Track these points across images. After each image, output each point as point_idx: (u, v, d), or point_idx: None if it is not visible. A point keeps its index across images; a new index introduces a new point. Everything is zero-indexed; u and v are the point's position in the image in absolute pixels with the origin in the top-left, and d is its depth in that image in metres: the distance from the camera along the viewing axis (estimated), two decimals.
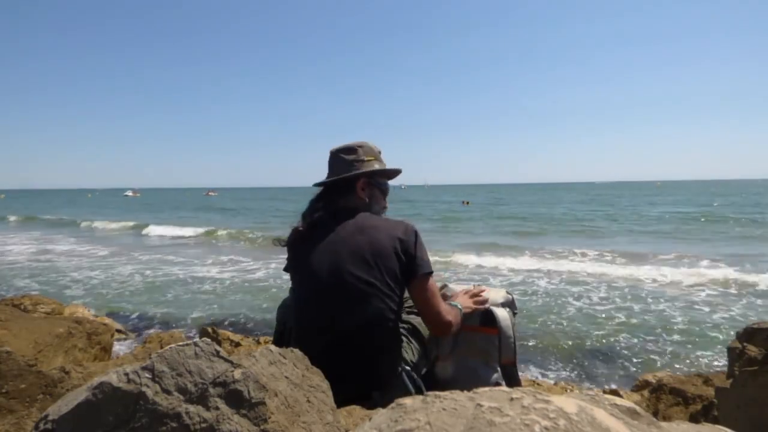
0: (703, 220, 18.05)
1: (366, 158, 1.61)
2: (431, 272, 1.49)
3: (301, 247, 1.54)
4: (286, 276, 1.64)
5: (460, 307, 1.65)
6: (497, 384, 1.73)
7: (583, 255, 9.79)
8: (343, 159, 1.61)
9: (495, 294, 1.84)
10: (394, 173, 1.70)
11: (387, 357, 1.49)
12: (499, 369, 1.74)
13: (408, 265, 1.46)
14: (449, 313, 1.50)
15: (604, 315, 5.21)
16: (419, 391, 1.50)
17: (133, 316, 5.46)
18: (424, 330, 1.73)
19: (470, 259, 9.50)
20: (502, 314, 1.76)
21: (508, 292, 1.84)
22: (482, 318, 1.77)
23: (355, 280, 1.41)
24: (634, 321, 4.97)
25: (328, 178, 1.63)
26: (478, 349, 1.75)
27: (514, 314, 1.83)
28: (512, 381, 1.76)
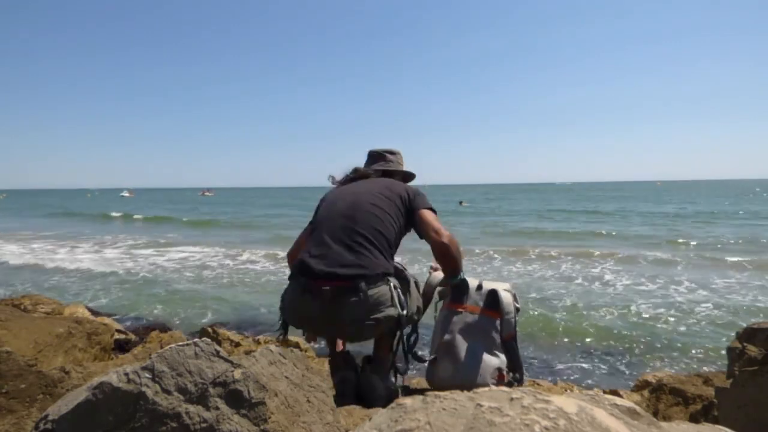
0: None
1: (401, 162, 2.19)
2: (432, 208, 1.87)
3: (334, 192, 1.97)
4: (282, 279, 1.72)
5: (463, 275, 1.87)
6: (499, 370, 1.77)
7: (581, 255, 9.80)
8: (387, 157, 2.15)
9: (498, 286, 1.89)
10: (412, 177, 2.23)
11: (381, 258, 1.71)
12: (501, 354, 1.80)
13: (412, 203, 1.86)
14: (449, 234, 1.79)
15: (603, 315, 5.21)
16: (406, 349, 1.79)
17: (133, 316, 5.46)
18: (420, 288, 1.99)
19: (467, 258, 9.51)
20: (506, 297, 1.83)
21: (511, 286, 1.91)
22: (486, 301, 1.85)
23: (370, 201, 1.80)
24: (633, 321, 4.97)
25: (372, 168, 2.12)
26: (481, 330, 1.81)
27: (517, 310, 1.87)
28: (512, 354, 1.82)
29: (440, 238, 1.76)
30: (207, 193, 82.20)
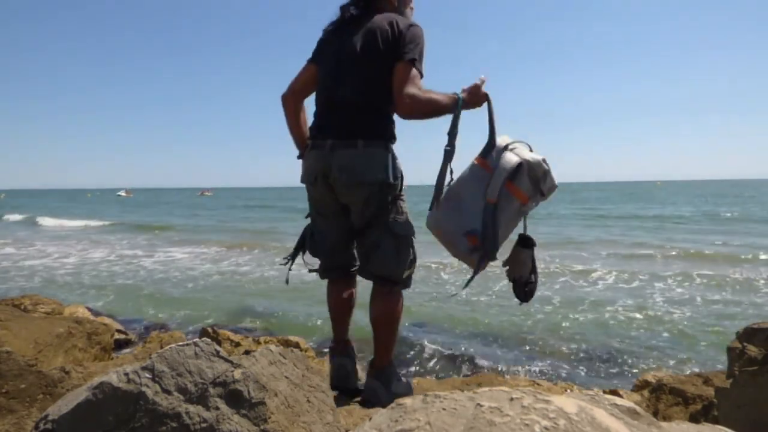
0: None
1: None
2: (414, 59, 1.60)
3: (327, 41, 1.83)
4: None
5: (460, 96, 1.66)
6: (473, 232, 1.63)
7: (578, 254, 9.80)
8: None
9: (524, 152, 1.69)
10: None
11: (375, 122, 1.70)
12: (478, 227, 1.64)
13: (395, 44, 1.63)
14: (418, 90, 1.59)
15: (602, 315, 5.21)
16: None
17: (133, 316, 5.47)
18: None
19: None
20: (509, 157, 1.64)
21: (543, 160, 1.67)
22: (495, 161, 1.67)
23: (354, 66, 1.69)
24: (633, 321, 4.98)
25: None
26: (478, 189, 1.67)
27: (541, 193, 1.67)
28: (485, 222, 1.63)
29: (398, 103, 1.62)
30: (206, 193, 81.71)
